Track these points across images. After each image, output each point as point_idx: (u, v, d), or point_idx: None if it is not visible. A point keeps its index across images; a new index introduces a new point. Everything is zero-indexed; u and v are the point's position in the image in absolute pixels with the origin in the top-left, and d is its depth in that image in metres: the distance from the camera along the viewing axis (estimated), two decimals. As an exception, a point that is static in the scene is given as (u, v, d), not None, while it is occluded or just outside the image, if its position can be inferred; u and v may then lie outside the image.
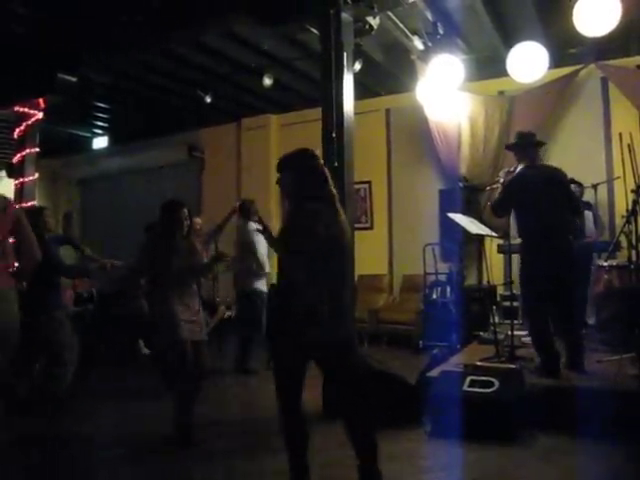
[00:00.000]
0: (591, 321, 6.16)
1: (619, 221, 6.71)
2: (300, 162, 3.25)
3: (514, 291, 6.94)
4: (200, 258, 4.73)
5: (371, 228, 9.41)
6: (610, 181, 6.95)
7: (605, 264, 5.76)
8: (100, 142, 12.19)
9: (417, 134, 8.62)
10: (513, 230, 5.43)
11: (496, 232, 6.07)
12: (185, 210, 4.62)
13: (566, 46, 7.18)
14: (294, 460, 3.16)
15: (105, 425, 4.63)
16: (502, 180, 5.22)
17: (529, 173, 4.90)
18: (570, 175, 5.20)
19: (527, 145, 5.02)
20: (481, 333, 6.46)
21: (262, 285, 6.65)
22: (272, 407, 3.41)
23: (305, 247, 3.00)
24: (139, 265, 4.88)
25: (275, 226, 9.96)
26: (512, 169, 5.27)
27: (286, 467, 3.20)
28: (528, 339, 5.72)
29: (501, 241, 6.83)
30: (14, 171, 8.14)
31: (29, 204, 7.85)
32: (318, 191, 3.16)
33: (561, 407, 4.21)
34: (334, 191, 3.21)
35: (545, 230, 4.74)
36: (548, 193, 4.77)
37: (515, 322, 5.85)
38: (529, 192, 4.82)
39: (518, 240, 6.48)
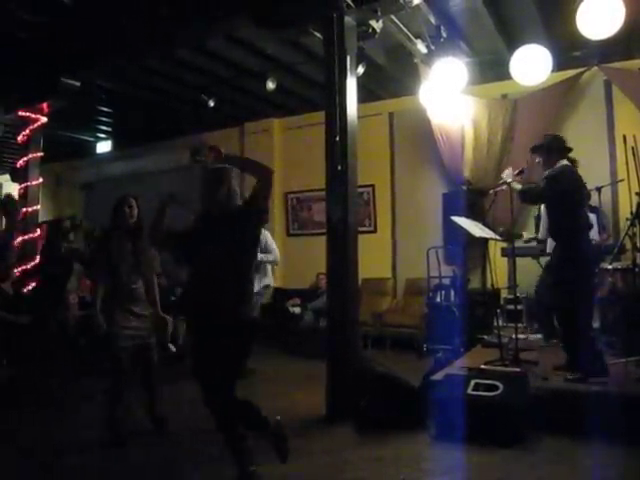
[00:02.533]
0: (596, 324, 6.15)
1: (623, 224, 6.69)
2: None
3: (518, 294, 6.93)
4: (148, 260, 4.56)
5: (374, 232, 9.40)
6: (614, 184, 6.93)
7: (609, 267, 5.75)
8: (103, 146, 12.23)
9: (420, 137, 8.62)
10: (544, 229, 5.41)
11: (500, 235, 6.07)
12: (127, 201, 4.48)
13: (569, 49, 7.17)
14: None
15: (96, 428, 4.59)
16: (510, 180, 5.23)
17: (574, 170, 4.96)
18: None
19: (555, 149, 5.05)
20: (485, 336, 6.45)
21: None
22: (272, 410, 3.42)
23: None
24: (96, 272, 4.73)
25: (276, 230, 9.91)
26: (518, 171, 5.27)
27: (289, 472, 3.21)
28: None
29: (505, 244, 6.82)
30: (18, 175, 8.18)
31: (33, 208, 7.89)
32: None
33: (566, 410, 4.19)
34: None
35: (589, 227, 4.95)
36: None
37: (519, 325, 5.84)
38: (581, 188, 4.96)
39: (523, 243, 6.52)
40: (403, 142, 9.26)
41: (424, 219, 8.60)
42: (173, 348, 8.27)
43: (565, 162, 4.91)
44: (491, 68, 7.82)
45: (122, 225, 4.44)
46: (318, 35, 5.65)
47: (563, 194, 4.80)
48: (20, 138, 7.93)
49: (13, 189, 9.26)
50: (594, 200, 6.76)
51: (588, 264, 4.82)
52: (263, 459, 3.34)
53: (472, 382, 4.33)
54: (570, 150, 5.04)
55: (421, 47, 6.71)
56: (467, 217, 6.15)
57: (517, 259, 5.81)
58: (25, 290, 6.83)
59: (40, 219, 8.29)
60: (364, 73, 6.75)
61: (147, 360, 4.51)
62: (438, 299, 7.75)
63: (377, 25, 5.66)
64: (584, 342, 4.63)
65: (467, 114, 8.06)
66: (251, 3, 5.61)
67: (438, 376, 4.79)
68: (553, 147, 5.02)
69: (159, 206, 3.46)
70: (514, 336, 5.30)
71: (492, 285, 5.76)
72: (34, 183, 7.94)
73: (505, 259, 7.24)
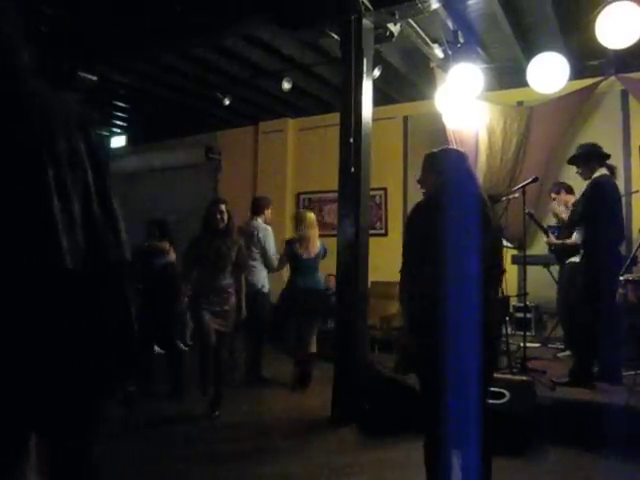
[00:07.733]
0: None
1: (636, 235, 6.65)
2: None
3: (528, 302, 6.91)
4: (241, 259, 5.11)
5: (385, 235, 9.39)
6: (628, 195, 6.88)
7: (620, 278, 5.71)
8: (118, 141, 12.28)
9: (434, 142, 8.46)
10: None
11: (511, 243, 6.04)
12: (218, 205, 5.00)
13: (587, 58, 7.13)
14: None
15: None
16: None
17: (610, 182, 4.87)
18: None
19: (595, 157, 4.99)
20: (493, 344, 6.41)
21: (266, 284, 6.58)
22: (278, 411, 3.41)
23: None
24: None
25: (288, 229, 9.84)
26: (531, 179, 5.24)
27: (292, 472, 3.20)
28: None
29: (515, 252, 6.80)
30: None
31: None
32: None
33: (572, 421, 4.17)
34: None
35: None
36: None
37: (528, 334, 5.80)
38: (618, 202, 4.90)
39: (535, 252, 6.48)
40: (417, 146, 9.21)
41: (435, 224, 8.56)
42: (183, 346, 8.28)
43: (603, 171, 4.82)
44: (507, 75, 7.78)
45: (213, 227, 4.88)
46: (335, 36, 5.65)
47: (598, 209, 4.74)
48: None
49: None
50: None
51: (609, 273, 4.77)
52: (268, 458, 3.34)
53: (478, 389, 4.31)
54: (608, 157, 4.96)
55: (438, 52, 6.70)
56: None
57: (527, 267, 5.79)
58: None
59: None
60: (380, 76, 6.75)
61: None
62: (447, 304, 7.70)
63: (395, 28, 5.66)
64: (582, 345, 4.66)
65: (482, 120, 8.02)
66: (270, 3, 5.62)
67: (444, 382, 4.77)
68: (593, 155, 4.96)
69: None
70: (522, 344, 5.29)
71: (502, 292, 5.73)
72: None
73: (515, 267, 7.21)
